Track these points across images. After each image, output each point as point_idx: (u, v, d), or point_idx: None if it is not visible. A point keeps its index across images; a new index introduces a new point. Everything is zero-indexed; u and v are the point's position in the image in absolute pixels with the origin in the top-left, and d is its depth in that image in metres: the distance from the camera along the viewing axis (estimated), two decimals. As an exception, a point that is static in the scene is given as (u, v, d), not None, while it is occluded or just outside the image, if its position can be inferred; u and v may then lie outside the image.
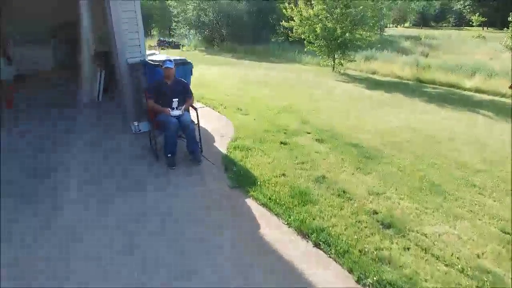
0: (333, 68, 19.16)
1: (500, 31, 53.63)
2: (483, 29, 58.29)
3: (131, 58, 6.84)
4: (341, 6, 17.16)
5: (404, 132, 8.25)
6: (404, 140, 7.68)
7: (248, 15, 32.99)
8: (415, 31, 57.83)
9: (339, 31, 17.10)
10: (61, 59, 12.77)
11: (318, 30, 17.23)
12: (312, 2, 18.17)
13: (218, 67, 18.80)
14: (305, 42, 19.02)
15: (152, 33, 53.46)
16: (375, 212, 4.43)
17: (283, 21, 19.21)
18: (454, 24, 63.76)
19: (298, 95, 11.50)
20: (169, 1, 47.45)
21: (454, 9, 62.16)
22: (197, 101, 9.02)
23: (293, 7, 18.72)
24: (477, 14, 55.28)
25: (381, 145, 7.10)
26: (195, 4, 34.09)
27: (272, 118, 8.16)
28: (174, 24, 35.91)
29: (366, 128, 8.23)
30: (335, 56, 18.69)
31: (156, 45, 34.21)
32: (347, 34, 17.28)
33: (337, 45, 17.90)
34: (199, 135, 5.57)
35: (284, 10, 18.90)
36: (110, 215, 4.18)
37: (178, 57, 6.79)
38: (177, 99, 5.22)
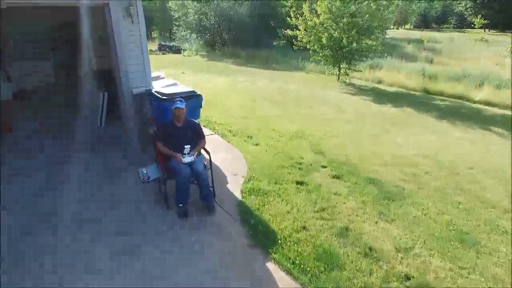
0: (338, 77, 18.77)
1: (502, 33, 53.38)
2: (484, 31, 57.92)
3: (135, 88, 6.44)
4: (347, 15, 16.77)
5: (421, 161, 7.86)
6: (423, 172, 7.29)
7: (249, 19, 32.52)
8: (416, 34, 57.41)
9: (345, 41, 16.71)
10: (61, 73, 12.34)
11: (324, 40, 16.82)
12: (318, 11, 17.76)
13: (221, 78, 18.36)
14: (310, 51, 18.62)
15: (152, 36, 53.04)
16: (407, 278, 4.05)
17: (288, 29, 18.77)
18: (455, 26, 63.36)
19: (307, 115, 11.09)
20: (170, 4, 47.11)
21: (455, 11, 61.74)
22: (204, 126, 8.62)
23: (298, 16, 18.29)
24: (479, 17, 54.89)
25: (400, 180, 6.71)
26: (196, 8, 33.62)
27: (284, 147, 7.74)
28: (175, 27, 35.45)
29: (382, 157, 7.84)
30: (341, 66, 18.28)
31: (157, 49, 33.72)
32: (354, 44, 16.90)
33: (343, 55, 17.51)
34: (212, 180, 5.17)
35: (288, 19, 18.45)
36: (115, 284, 3.78)
37: (185, 88, 6.37)
38: (189, 146, 4.80)
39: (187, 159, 4.72)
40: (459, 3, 60.14)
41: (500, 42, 40.31)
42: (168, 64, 24.97)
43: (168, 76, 18.57)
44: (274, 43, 38.46)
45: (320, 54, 17.94)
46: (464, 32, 58.67)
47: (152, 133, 6.78)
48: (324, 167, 6.83)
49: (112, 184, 5.77)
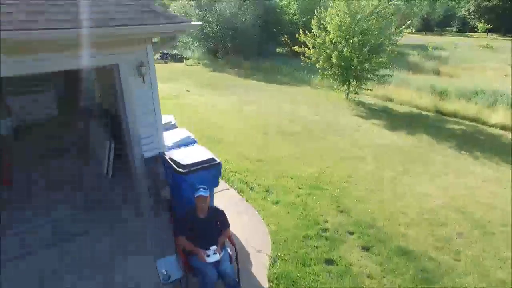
0: (347, 96, 18.25)
1: (505, 38, 52.80)
2: (487, 35, 57.44)
3: (147, 152, 5.89)
4: (358, 33, 16.23)
5: (450, 216, 7.32)
6: (455, 232, 6.76)
7: (253, 27, 31.88)
8: (419, 38, 56.76)
9: (356, 60, 16.18)
10: (64, 107, 11.75)
11: (334, 59, 16.27)
12: (327, 28, 17.21)
13: (227, 97, 17.77)
14: (319, 69, 18.08)
15: (154, 40, 52.31)
16: None
17: (289, 39, 18.17)
18: (458, 30, 62.77)
19: (322, 150, 10.45)
20: (172, 8, 46.40)
21: (457, 15, 61.14)
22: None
23: (307, 33, 17.73)
24: (482, 21, 54.36)
25: (433, 248, 6.16)
26: (199, 16, 32.99)
27: (306, 205, 7.13)
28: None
29: (408, 213, 7.30)
30: (350, 84, 17.73)
31: (159, 57, 33.08)
32: (365, 65, 16.40)
33: (353, 74, 16.98)
34: (238, 270, 4.63)
35: (297, 36, 17.89)
36: None
37: (204, 154, 5.76)
38: (215, 246, 4.24)
39: (212, 258, 4.19)
40: (462, 7, 59.53)
41: (506, 49, 39.81)
42: (171, 75, 24.39)
43: (173, 94, 18.10)
44: (277, 50, 37.94)
45: (329, 73, 17.39)
46: (467, 37, 58.12)
47: (164, 197, 6.26)
48: (351, 233, 6.29)
49: (124, 267, 5.21)
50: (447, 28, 64.52)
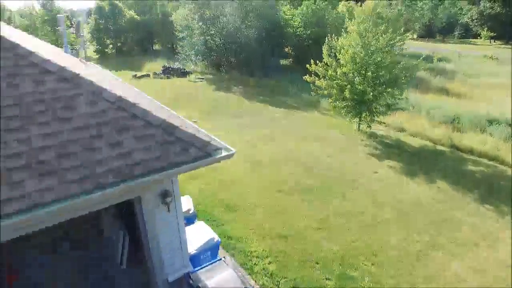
0: (359, 127, 17.62)
1: (508, 46, 52.11)
2: (490, 42, 56.80)
3: (170, 275, 5.26)
4: (372, 68, 15.57)
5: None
6: None
7: (257, 41, 31.10)
8: (422, 45, 56.02)
9: (370, 94, 15.56)
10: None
11: (347, 93, 15.62)
12: (339, 58, 16.55)
13: (237, 134, 17.04)
14: (329, 100, 17.40)
15: (154, 48, 51.48)
16: None
17: (307, 74, 17.48)
18: (460, 36, 62.04)
19: (345, 217, 9.76)
20: (173, 18, 45.52)
21: (460, 21, 60.40)
22: (241, 264, 7.37)
23: (318, 63, 17.05)
24: (485, 29, 53.70)
25: None
26: (202, 29, 32.21)
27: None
28: (179, 47, 33.94)
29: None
30: (362, 116, 17.05)
31: (161, 72, 32.30)
32: (381, 101, 15.80)
33: (367, 107, 16.34)
34: None
35: (308, 66, 17.20)
36: None
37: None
38: None
39: None
40: (464, 14, 58.78)
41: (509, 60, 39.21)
42: (176, 96, 23.67)
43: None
44: (282, 62, 37.18)
45: (341, 105, 16.71)
46: (470, 44, 57.45)
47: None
48: None
49: None
50: (451, 34, 63.66)
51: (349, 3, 39.97)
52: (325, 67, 16.90)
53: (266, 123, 18.34)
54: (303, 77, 17.60)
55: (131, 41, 47.78)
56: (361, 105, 16.11)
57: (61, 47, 37.18)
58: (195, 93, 25.24)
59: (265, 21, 31.75)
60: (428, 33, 62.04)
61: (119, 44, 47.22)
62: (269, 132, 16.75)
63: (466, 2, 62.89)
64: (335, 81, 16.33)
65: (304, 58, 36.02)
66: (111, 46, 47.72)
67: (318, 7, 34.15)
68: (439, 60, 38.69)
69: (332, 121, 19.11)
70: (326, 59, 16.96)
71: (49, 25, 44.08)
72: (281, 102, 22.82)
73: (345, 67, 15.61)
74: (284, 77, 29.58)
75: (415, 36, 65.48)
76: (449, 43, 59.69)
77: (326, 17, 34.28)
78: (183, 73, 32.36)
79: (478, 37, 56.41)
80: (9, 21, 44.85)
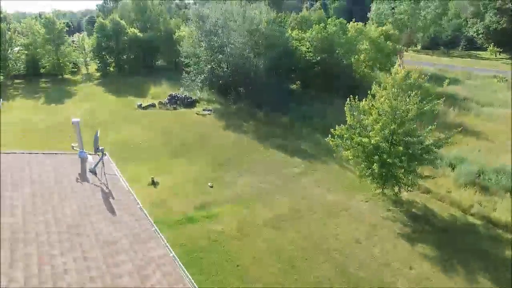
0: (382, 190, 16.49)
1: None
2: (496, 56, 55.64)
3: None
4: (401, 134, 14.46)
5: None
6: None
7: (266, 70, 29.79)
8: (427, 59, 54.88)
9: (402, 171, 14.51)
10: None
11: (375, 167, 14.47)
12: (365, 124, 15.39)
13: (255, 198, 15.92)
14: (355, 167, 16.25)
15: (157, 63, 49.96)
16: None
17: (330, 136, 16.30)
18: (465, 48, 60.82)
19: None
20: (176, 36, 44.08)
21: (465, 33, 59.16)
22: None
23: (343, 127, 15.89)
24: (492, 44, 52.57)
25: None
26: (208, 57, 30.86)
27: None
28: (184, 72, 32.48)
29: None
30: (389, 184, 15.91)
31: (167, 101, 30.98)
32: (410, 176, 14.68)
33: (393, 176, 15.20)
34: None
35: (332, 130, 16.05)
36: None
37: None
38: None
39: None
40: (469, 27, 57.53)
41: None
42: (184, 140, 22.45)
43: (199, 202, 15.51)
44: (291, 86, 35.76)
45: (367, 173, 15.56)
46: (475, 57, 56.22)
47: None
48: None
49: None
50: (455, 47, 62.28)
51: (357, 24, 38.69)
52: (348, 132, 15.76)
53: (287, 185, 17.19)
54: (326, 139, 16.47)
55: (133, 59, 46.23)
56: (389, 176, 15.00)
57: (63, 67, 35.56)
58: (205, 133, 24.00)
59: (275, 50, 30.45)
60: (432, 45, 60.74)
61: (121, 63, 45.63)
62: (295, 203, 15.58)
63: (470, 14, 61.50)
64: (361, 151, 15.20)
65: (313, 82, 35.07)
66: (113, 64, 46.17)
67: (328, 33, 32.84)
68: (450, 83, 37.29)
69: (353, 179, 17.89)
70: (349, 120, 15.85)
71: (51, 44, 42.57)
72: (297, 149, 21.62)
73: (374, 138, 14.41)
74: (295, 108, 28.38)
75: (418, 48, 64.27)
76: (454, 55, 58.47)
77: (336, 42, 33.05)
78: (190, 103, 31.11)
79: (484, 48, 55.20)
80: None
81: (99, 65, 45.83)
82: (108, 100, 33.92)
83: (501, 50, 51.95)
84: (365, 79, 37.17)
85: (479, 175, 18.42)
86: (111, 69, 46.17)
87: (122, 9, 56.94)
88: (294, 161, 20.04)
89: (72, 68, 45.75)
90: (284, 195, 16.29)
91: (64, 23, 44.92)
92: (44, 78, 44.19)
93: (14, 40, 42.56)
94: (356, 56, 35.25)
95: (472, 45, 59.39)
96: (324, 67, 32.84)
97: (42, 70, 44.49)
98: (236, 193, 16.22)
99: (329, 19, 36.31)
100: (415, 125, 14.54)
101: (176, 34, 44.87)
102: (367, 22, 70.49)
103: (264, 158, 20.34)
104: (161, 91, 35.79)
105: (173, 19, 52.10)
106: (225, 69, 31.21)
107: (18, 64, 42.63)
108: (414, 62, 49.25)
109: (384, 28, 43.53)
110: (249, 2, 32.45)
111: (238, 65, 29.66)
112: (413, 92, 14.32)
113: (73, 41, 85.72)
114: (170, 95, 31.66)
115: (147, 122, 26.38)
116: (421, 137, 14.43)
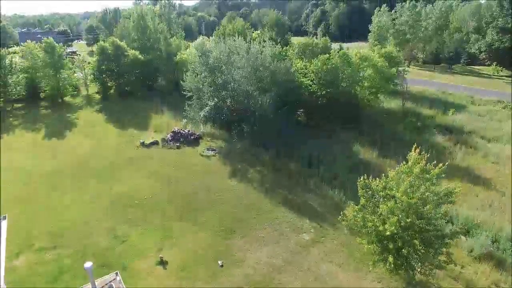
0: (395, 269, 15.82)
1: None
2: (498, 73, 54.93)
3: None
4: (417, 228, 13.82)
5: None
6: None
7: (271, 107, 28.92)
8: (429, 76, 54.07)
9: (418, 264, 13.94)
10: None
11: (391, 259, 13.84)
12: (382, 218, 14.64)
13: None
14: (367, 249, 15.58)
15: (158, 82, 48.91)
16: None
17: (341, 216, 15.66)
18: (465, 63, 60.04)
19: None
20: (178, 59, 43.18)
21: (466, 49, 58.35)
22: None
23: (355, 207, 15.23)
24: (494, 64, 51.92)
25: None
26: (212, 92, 29.99)
27: None
28: (186, 105, 31.54)
29: None
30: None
31: (169, 138, 30.10)
32: (426, 267, 14.08)
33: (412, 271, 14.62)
34: None
35: (341, 214, 15.38)
36: None
37: None
38: None
39: None
40: (472, 43, 56.73)
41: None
42: (190, 197, 21.69)
43: None
44: (296, 118, 34.90)
45: (380, 258, 14.88)
46: (477, 75, 55.43)
47: None
48: None
49: None
50: (456, 63, 61.28)
51: (361, 51, 37.93)
52: (362, 210, 15.12)
53: (297, 260, 16.56)
54: (341, 220, 15.85)
55: (134, 81, 45.25)
56: (405, 265, 14.40)
57: (63, 91, 34.88)
58: (211, 184, 23.25)
59: (281, 86, 29.70)
60: (434, 60, 59.89)
61: (121, 86, 44.66)
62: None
63: (472, 28, 60.73)
64: (374, 235, 14.57)
65: (317, 115, 34.24)
66: (113, 88, 45.25)
67: (332, 65, 32.03)
68: (454, 113, 36.73)
69: (364, 250, 17.19)
70: (362, 201, 15.23)
71: (51, 68, 41.54)
72: (305, 206, 20.97)
73: (389, 229, 13.74)
74: (300, 145, 27.72)
75: (421, 62, 63.45)
76: (456, 71, 57.67)
77: (340, 76, 32.27)
78: (194, 140, 30.36)
79: (486, 64, 54.54)
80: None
81: (99, 87, 44.90)
82: (110, 133, 33.09)
83: (503, 68, 51.35)
84: (369, 104, 36.65)
85: (493, 242, 17.88)
86: (111, 91, 45.19)
87: (122, 27, 55.64)
88: (302, 223, 19.40)
89: (72, 90, 44.77)
90: (295, 275, 15.65)
91: (63, 48, 43.66)
92: (44, 102, 43.35)
93: (14, 65, 41.53)
94: (360, 83, 34.57)
95: (474, 60, 58.58)
96: (329, 99, 32.11)
97: (42, 95, 43.58)
98: (247, 275, 15.57)
99: (332, 51, 35.58)
100: (431, 214, 13.86)
101: (178, 57, 43.94)
102: (369, 33, 69.80)
103: (273, 220, 19.65)
104: (163, 122, 35.01)
105: (174, 38, 51.00)
106: (229, 105, 30.40)
107: (18, 88, 41.54)
108: (416, 81, 48.48)
109: (386, 49, 42.98)
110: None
111: (243, 102, 28.89)
112: (431, 185, 13.63)
113: (72, 52, 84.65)
114: (173, 132, 30.86)
115: (151, 168, 25.63)
116: (437, 226, 13.79)
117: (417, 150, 14.58)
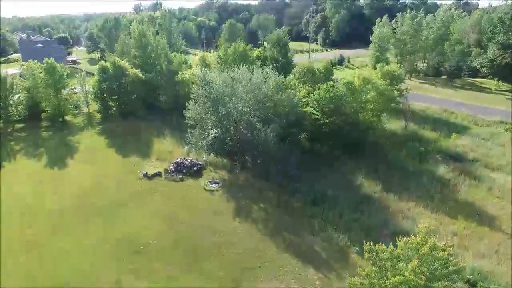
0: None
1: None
2: (499, 86, 54.59)
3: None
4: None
5: None
6: None
7: (275, 138, 28.55)
8: (429, 90, 53.63)
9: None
10: None
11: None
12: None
13: None
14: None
15: (160, 99, 48.37)
16: None
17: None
18: (467, 75, 59.64)
19: None
20: (180, 78, 42.77)
21: (468, 63, 57.91)
22: None
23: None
24: (496, 79, 51.61)
25: None
26: (215, 123, 29.62)
27: None
28: (189, 132, 31.17)
29: None
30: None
31: (172, 169, 29.75)
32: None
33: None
34: None
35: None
36: None
37: None
38: None
39: None
40: (474, 57, 56.29)
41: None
42: (196, 245, 21.41)
43: None
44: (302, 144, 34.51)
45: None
46: (479, 89, 55.01)
47: None
48: None
49: None
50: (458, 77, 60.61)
51: (363, 72, 37.59)
52: (368, 278, 14.85)
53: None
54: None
55: (135, 100, 44.84)
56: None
57: (64, 111, 34.42)
58: (216, 227, 22.98)
59: (284, 117, 29.41)
60: (435, 72, 59.41)
61: (122, 105, 44.27)
62: None
63: (473, 41, 60.25)
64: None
65: (320, 141, 33.92)
66: (114, 108, 44.87)
67: (336, 93, 31.68)
68: (458, 137, 36.43)
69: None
70: (369, 269, 14.96)
71: (52, 88, 41.11)
72: (310, 252, 20.75)
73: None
74: (303, 179, 27.44)
75: (422, 75, 63.01)
76: (457, 85, 57.23)
77: (344, 104, 31.93)
78: (197, 171, 30.04)
79: (488, 77, 54.25)
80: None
81: (100, 107, 44.53)
82: (111, 161, 32.75)
83: (504, 84, 51.11)
84: (371, 127, 36.25)
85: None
86: (112, 112, 44.78)
87: (122, 43, 55.11)
88: (307, 274, 19.19)
89: (73, 110, 44.37)
90: None
91: (64, 69, 43.18)
92: (45, 122, 42.97)
93: (15, 86, 41.03)
94: (363, 105, 34.20)
95: (475, 73, 58.18)
96: (331, 127, 31.81)
97: (43, 115, 43.19)
98: None
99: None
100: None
101: (179, 76, 43.49)
102: (370, 44, 69.30)
103: (278, 270, 19.44)
104: (165, 148, 34.67)
105: (175, 54, 50.48)
106: (232, 135, 30.04)
107: (19, 108, 41.05)
108: (418, 96, 47.97)
109: (388, 68, 42.58)
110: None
111: (246, 135, 28.54)
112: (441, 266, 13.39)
113: (73, 61, 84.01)
114: (176, 163, 30.54)
115: (155, 205, 25.38)
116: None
117: (424, 229, 14.13)
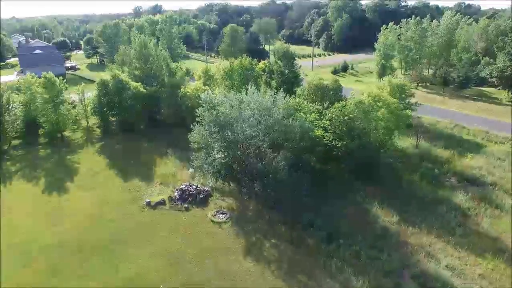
0: None
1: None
2: (508, 94, 52.85)
3: None
4: None
5: None
6: None
7: (286, 165, 26.68)
8: (437, 101, 51.86)
9: None
10: None
11: None
12: None
13: None
14: None
15: (162, 112, 46.43)
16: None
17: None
18: (475, 85, 57.86)
19: None
20: (182, 93, 40.86)
21: (476, 72, 56.12)
22: None
23: None
24: (506, 91, 49.87)
25: None
26: (222, 149, 27.75)
27: None
28: (194, 156, 29.31)
29: None
30: None
31: (177, 197, 27.84)
32: None
33: None
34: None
35: None
36: None
37: None
38: None
39: None
40: (484, 66, 54.52)
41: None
42: None
43: None
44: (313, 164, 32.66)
45: None
46: (487, 100, 53.25)
47: None
48: None
49: None
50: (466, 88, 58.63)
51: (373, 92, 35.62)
52: None
53: None
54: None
55: (136, 114, 42.80)
56: None
57: (62, 126, 32.02)
58: (224, 269, 21.14)
59: (294, 142, 27.55)
60: (442, 81, 57.54)
61: (123, 120, 42.30)
62: None
63: (480, 49, 58.49)
64: None
65: (332, 165, 32.18)
66: (115, 123, 42.92)
67: (347, 113, 29.85)
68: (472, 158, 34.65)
69: None
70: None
71: (50, 104, 39.03)
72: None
73: None
74: (316, 211, 25.66)
75: (429, 84, 61.14)
76: (466, 95, 55.37)
77: (357, 126, 30.07)
78: (203, 200, 28.13)
79: (496, 88, 52.55)
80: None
81: (100, 122, 42.57)
82: (112, 186, 30.82)
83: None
84: (383, 145, 34.36)
85: None
86: (113, 127, 42.83)
87: (123, 53, 53.04)
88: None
89: (72, 125, 42.29)
90: None
91: (63, 84, 41.06)
92: (42, 138, 40.89)
93: (11, 102, 38.92)
94: (374, 124, 32.36)
95: (482, 81, 56.39)
96: (344, 151, 29.98)
97: (41, 131, 40.98)
98: None
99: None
100: None
101: (182, 90, 41.54)
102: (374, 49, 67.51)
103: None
104: (168, 171, 32.75)
105: (176, 64, 48.50)
106: (240, 161, 28.15)
107: (16, 124, 39.00)
108: (426, 108, 46.08)
109: (397, 82, 40.67)
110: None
111: (255, 164, 26.60)
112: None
113: (72, 67, 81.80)
114: (180, 189, 28.65)
115: (159, 242, 23.51)
116: None
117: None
